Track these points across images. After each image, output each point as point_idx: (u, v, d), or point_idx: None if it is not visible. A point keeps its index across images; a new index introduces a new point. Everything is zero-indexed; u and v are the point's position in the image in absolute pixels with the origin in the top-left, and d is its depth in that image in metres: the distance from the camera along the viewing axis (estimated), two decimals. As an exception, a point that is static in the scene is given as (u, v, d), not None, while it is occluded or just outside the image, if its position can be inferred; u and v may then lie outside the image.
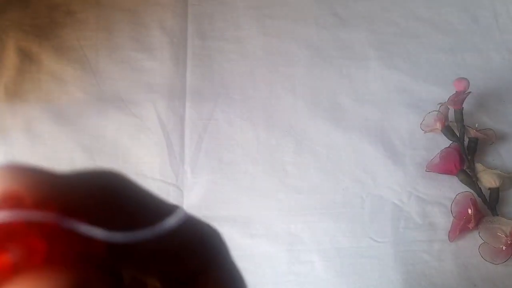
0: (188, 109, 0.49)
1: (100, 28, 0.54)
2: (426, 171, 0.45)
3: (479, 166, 0.45)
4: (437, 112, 0.46)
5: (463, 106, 0.46)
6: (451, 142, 0.46)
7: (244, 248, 0.43)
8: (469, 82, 0.45)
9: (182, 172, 0.46)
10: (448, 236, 0.43)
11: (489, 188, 0.44)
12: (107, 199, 0.12)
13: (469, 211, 0.42)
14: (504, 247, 0.41)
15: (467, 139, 0.46)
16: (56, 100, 0.50)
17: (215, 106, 0.50)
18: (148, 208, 0.13)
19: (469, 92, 0.45)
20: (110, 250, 0.12)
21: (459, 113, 0.46)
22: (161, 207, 0.14)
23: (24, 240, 0.10)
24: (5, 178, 0.11)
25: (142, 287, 0.14)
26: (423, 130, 0.47)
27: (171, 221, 0.13)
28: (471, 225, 0.42)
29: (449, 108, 0.46)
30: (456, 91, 0.46)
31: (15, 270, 0.10)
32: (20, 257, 0.10)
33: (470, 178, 0.44)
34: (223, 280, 0.15)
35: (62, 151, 0.48)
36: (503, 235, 0.41)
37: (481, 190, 0.44)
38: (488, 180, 0.44)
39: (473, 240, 0.42)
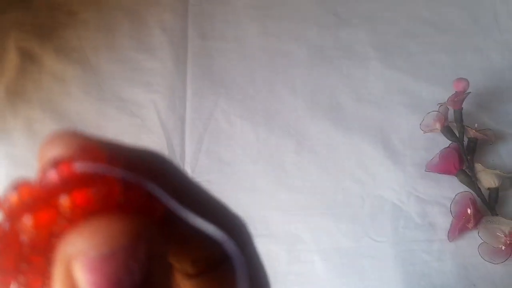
0: (189, 109, 0.49)
1: (100, 28, 0.54)
2: (425, 171, 0.45)
3: (478, 166, 0.45)
4: (436, 112, 0.46)
5: (462, 106, 0.46)
6: (450, 142, 0.46)
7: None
8: (468, 82, 0.45)
9: (182, 172, 0.47)
10: (448, 236, 0.43)
11: (489, 188, 0.44)
12: (155, 173, 0.13)
13: (469, 211, 0.42)
14: (503, 247, 0.41)
15: (467, 139, 0.46)
16: (57, 100, 0.51)
17: (215, 106, 0.50)
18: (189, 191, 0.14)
19: (469, 92, 0.45)
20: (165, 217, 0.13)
21: (459, 113, 0.46)
22: (202, 194, 0.15)
23: (103, 182, 0.12)
24: (78, 136, 0.13)
25: (168, 268, 0.14)
26: (422, 130, 0.47)
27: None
28: (470, 225, 0.42)
29: (448, 108, 0.46)
30: (455, 91, 0.46)
31: (95, 206, 0.12)
32: (100, 195, 0.12)
33: (470, 178, 0.44)
34: (251, 266, 0.15)
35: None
36: (502, 235, 0.41)
37: (480, 190, 0.44)
38: (488, 180, 0.44)
39: (473, 240, 0.42)
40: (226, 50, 0.52)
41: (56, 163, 0.12)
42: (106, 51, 0.53)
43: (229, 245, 0.13)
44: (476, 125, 0.46)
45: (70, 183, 0.12)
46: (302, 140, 0.48)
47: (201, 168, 0.47)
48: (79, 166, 0.12)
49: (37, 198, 0.12)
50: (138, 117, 0.49)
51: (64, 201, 0.12)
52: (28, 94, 0.51)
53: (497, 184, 0.44)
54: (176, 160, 0.47)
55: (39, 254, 0.13)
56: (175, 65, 0.52)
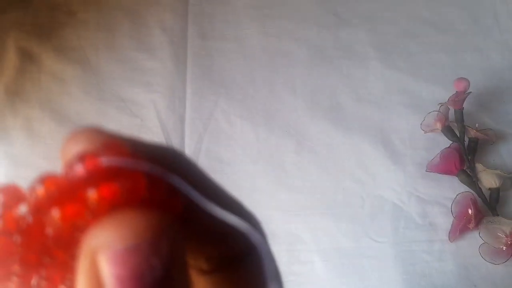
0: (188, 109, 0.49)
1: (100, 28, 0.54)
2: (426, 171, 0.45)
3: (479, 166, 0.45)
4: (437, 112, 0.46)
5: (463, 106, 0.46)
6: (451, 142, 0.46)
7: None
8: (469, 82, 0.45)
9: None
10: (448, 236, 0.43)
11: (490, 188, 0.44)
12: (173, 168, 0.13)
13: (469, 211, 0.42)
14: (504, 247, 0.41)
15: (467, 139, 0.46)
16: (56, 100, 0.50)
17: (215, 106, 0.49)
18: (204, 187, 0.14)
19: (470, 92, 0.45)
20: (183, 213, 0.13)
21: (459, 113, 0.46)
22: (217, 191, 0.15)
23: (128, 176, 0.12)
24: (100, 132, 0.13)
25: (186, 265, 0.14)
26: (423, 130, 0.47)
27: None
28: (471, 225, 0.42)
29: (449, 108, 0.46)
30: (456, 91, 0.46)
31: (121, 200, 0.12)
32: (126, 189, 0.12)
33: (471, 178, 0.44)
34: (265, 264, 0.15)
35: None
36: (503, 235, 0.41)
37: (481, 190, 0.44)
38: (489, 180, 0.44)
39: (474, 241, 0.42)
40: (226, 50, 0.52)
41: (82, 158, 0.12)
42: (106, 51, 0.53)
43: (255, 237, 0.13)
44: (476, 125, 0.46)
45: (97, 177, 0.12)
46: (302, 140, 0.48)
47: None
48: (105, 160, 0.12)
49: (64, 192, 0.12)
50: (138, 117, 0.49)
51: (91, 194, 0.12)
52: (28, 93, 0.51)
53: (498, 184, 0.44)
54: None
55: (63, 248, 0.13)
56: (175, 65, 0.52)
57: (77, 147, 0.13)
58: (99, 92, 0.51)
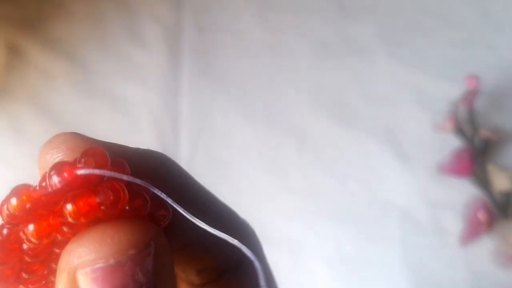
0: (184, 107, 0.49)
1: (90, 21, 0.53)
2: (436, 173, 0.44)
3: (491, 168, 0.44)
4: (448, 111, 0.45)
5: (475, 105, 0.45)
6: (462, 143, 0.45)
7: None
8: (481, 80, 0.44)
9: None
10: (459, 242, 0.42)
11: (502, 191, 0.43)
12: (159, 176, 0.13)
13: (481, 215, 0.42)
14: (518, 253, 0.40)
15: (479, 140, 0.45)
16: (44, 97, 0.50)
17: (212, 103, 0.49)
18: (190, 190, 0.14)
19: (481, 91, 0.44)
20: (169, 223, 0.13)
21: (471, 113, 0.45)
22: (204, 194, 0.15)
23: (108, 188, 0.12)
24: (80, 139, 0.13)
25: (174, 279, 0.14)
26: (433, 130, 0.46)
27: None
28: (483, 230, 0.41)
29: (460, 107, 0.45)
30: (467, 90, 0.45)
31: (101, 214, 0.11)
32: (106, 202, 0.11)
33: (482, 181, 0.44)
34: (259, 276, 0.15)
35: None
36: (517, 241, 0.40)
37: (493, 193, 0.43)
38: (501, 183, 0.43)
39: (485, 246, 0.42)
40: (224, 44, 0.52)
41: (59, 169, 0.12)
42: (96, 45, 0.52)
43: (246, 250, 0.13)
44: (489, 125, 0.45)
45: (74, 190, 0.12)
46: (304, 140, 0.47)
47: (197, 170, 0.46)
48: (83, 172, 0.11)
49: (39, 206, 0.12)
50: (130, 115, 0.49)
51: (68, 208, 0.11)
52: (14, 89, 0.50)
53: (510, 187, 0.43)
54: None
55: (40, 263, 0.12)
56: (170, 60, 0.51)
57: (54, 155, 0.12)
58: (89, 88, 0.50)
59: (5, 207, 0.12)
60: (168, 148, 0.47)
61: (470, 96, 0.44)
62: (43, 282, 0.13)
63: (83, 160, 0.12)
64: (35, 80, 0.50)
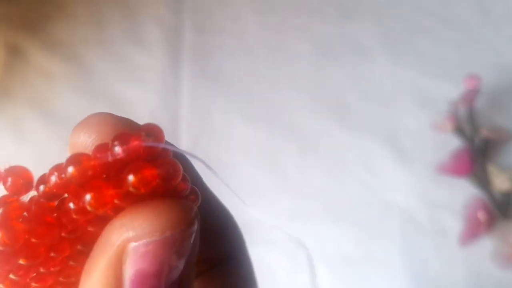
0: (184, 108, 0.49)
1: (90, 22, 0.53)
2: (436, 173, 0.44)
3: (491, 168, 0.44)
4: (447, 111, 0.45)
5: (474, 105, 0.45)
6: (462, 143, 0.45)
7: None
8: (481, 80, 0.44)
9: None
10: (459, 242, 0.42)
11: (502, 191, 0.43)
12: None
13: (481, 215, 0.41)
14: (518, 254, 0.40)
15: (479, 140, 0.45)
16: (44, 98, 0.50)
17: (212, 104, 0.49)
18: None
19: (481, 90, 0.44)
20: None
21: (471, 113, 0.45)
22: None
23: (167, 163, 0.12)
24: (118, 120, 0.13)
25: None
26: (433, 130, 0.46)
27: None
28: (483, 230, 0.41)
29: (460, 107, 0.45)
30: (467, 89, 0.45)
31: (159, 187, 0.11)
32: (165, 176, 0.11)
33: (482, 181, 0.43)
34: (248, 266, 0.16)
35: (50, 151, 0.47)
36: (518, 242, 0.40)
37: (493, 193, 0.43)
38: (501, 183, 0.43)
39: (485, 246, 0.42)
40: (224, 45, 0.51)
41: (123, 138, 0.11)
42: (96, 46, 0.52)
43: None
44: (488, 125, 0.45)
45: (134, 162, 0.11)
46: (305, 141, 0.47)
47: (197, 170, 0.46)
48: (149, 144, 0.12)
49: (98, 174, 0.11)
50: (130, 115, 0.48)
51: (131, 178, 0.11)
52: (15, 91, 0.50)
53: (510, 187, 0.42)
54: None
55: (70, 243, 0.12)
56: (170, 61, 0.51)
57: (87, 135, 0.12)
58: (89, 88, 0.50)
59: (52, 177, 0.12)
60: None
61: (470, 96, 0.44)
62: (63, 267, 0.13)
63: (143, 133, 0.12)
64: (35, 80, 0.50)
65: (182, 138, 0.47)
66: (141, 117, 0.49)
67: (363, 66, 0.50)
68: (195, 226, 0.11)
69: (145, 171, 0.11)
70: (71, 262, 0.13)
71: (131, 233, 0.11)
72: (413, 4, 0.52)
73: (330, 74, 0.50)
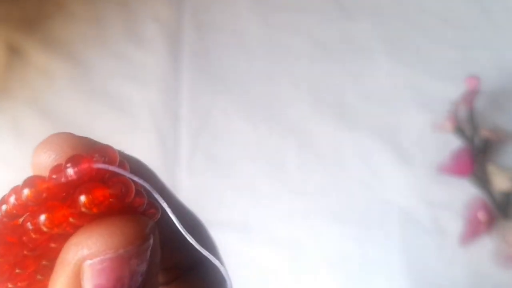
0: (184, 107, 0.48)
1: (91, 21, 0.53)
2: (436, 173, 0.44)
3: (491, 168, 0.44)
4: (448, 111, 0.45)
5: (475, 105, 0.45)
6: (462, 143, 0.45)
7: (242, 256, 0.42)
8: (481, 80, 0.44)
9: (177, 173, 0.46)
10: (459, 242, 0.42)
11: (502, 191, 0.43)
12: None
13: (481, 215, 0.41)
14: (518, 253, 0.40)
15: (479, 140, 0.45)
16: (44, 97, 0.50)
17: (212, 102, 0.48)
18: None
19: (481, 91, 0.44)
20: None
21: (471, 113, 0.45)
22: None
23: (119, 182, 0.12)
24: (78, 139, 0.13)
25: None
26: (433, 130, 0.46)
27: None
28: (483, 230, 0.41)
29: (460, 107, 0.45)
30: (467, 90, 0.45)
31: (111, 205, 0.12)
32: (118, 195, 0.12)
33: (482, 181, 0.43)
34: (219, 271, 0.16)
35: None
36: (518, 241, 0.40)
37: (493, 193, 0.43)
38: (501, 183, 0.43)
39: (485, 246, 0.41)
40: (224, 43, 0.51)
41: (75, 161, 0.12)
42: (96, 45, 0.51)
43: (224, 273, 0.14)
44: (488, 125, 0.45)
45: (86, 182, 0.12)
46: (304, 140, 0.47)
47: (197, 170, 0.46)
48: (100, 166, 0.12)
49: (53, 195, 0.12)
50: (130, 115, 0.48)
51: (83, 198, 0.12)
52: (15, 90, 0.50)
53: (510, 187, 0.42)
54: (171, 161, 0.46)
55: (33, 259, 0.12)
56: (170, 60, 0.50)
57: (48, 155, 0.13)
58: (89, 88, 0.50)
59: (11, 198, 0.12)
60: (168, 148, 0.47)
61: (470, 96, 0.44)
62: (31, 281, 0.13)
63: (96, 155, 0.12)
64: (35, 80, 0.50)
65: (182, 137, 0.47)
66: (141, 117, 0.49)
67: (363, 65, 0.49)
68: (151, 241, 0.12)
69: (96, 191, 0.12)
70: (38, 276, 0.13)
71: (85, 251, 0.11)
72: (413, 4, 0.52)
73: (330, 74, 0.49)
